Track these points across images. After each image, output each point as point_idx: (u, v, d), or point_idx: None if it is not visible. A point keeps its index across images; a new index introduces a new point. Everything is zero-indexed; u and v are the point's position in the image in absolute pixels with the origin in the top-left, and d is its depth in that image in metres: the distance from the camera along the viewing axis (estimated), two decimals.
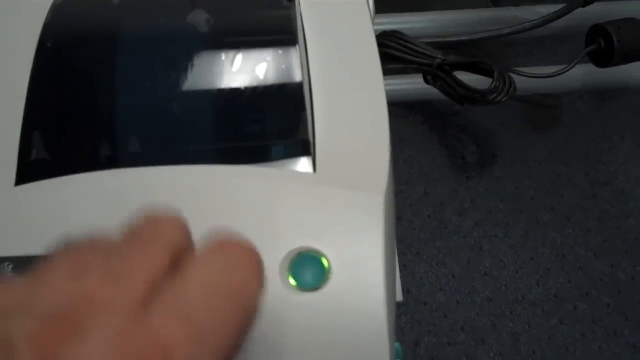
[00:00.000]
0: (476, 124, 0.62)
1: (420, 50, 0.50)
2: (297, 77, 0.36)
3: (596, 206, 0.59)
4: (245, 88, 0.36)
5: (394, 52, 0.51)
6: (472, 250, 0.57)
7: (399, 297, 0.49)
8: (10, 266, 0.31)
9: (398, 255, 0.51)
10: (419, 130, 0.62)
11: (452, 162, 0.61)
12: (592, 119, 0.64)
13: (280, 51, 0.37)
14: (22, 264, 0.31)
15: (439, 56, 0.50)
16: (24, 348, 0.20)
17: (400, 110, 0.62)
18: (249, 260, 0.25)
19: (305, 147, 0.34)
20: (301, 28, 0.38)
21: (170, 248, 0.24)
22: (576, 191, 0.60)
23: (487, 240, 0.57)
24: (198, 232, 0.32)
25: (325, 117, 0.35)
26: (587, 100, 0.65)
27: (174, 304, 0.22)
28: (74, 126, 0.35)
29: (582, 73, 0.60)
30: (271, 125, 0.36)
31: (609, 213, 0.59)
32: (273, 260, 0.31)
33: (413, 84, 0.59)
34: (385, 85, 0.37)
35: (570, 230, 0.58)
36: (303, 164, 0.34)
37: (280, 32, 0.38)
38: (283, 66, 0.37)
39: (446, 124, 0.63)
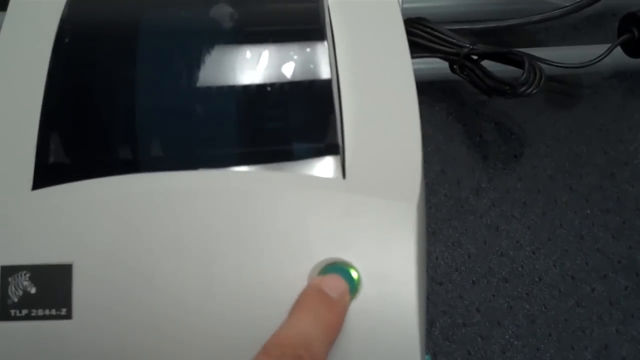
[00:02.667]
0: (494, 102, 0.61)
1: (448, 38, 0.49)
2: (326, 76, 0.35)
3: (615, 186, 0.58)
4: (273, 89, 0.35)
5: (420, 41, 0.49)
6: (489, 230, 0.56)
7: None
8: (28, 275, 0.31)
9: None
10: (437, 108, 0.61)
11: (469, 140, 0.60)
12: (612, 97, 0.63)
13: (308, 49, 0.36)
14: (40, 272, 0.31)
15: (467, 45, 0.49)
16: None
17: (417, 88, 0.60)
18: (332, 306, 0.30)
19: (334, 152, 0.33)
20: (329, 23, 0.37)
21: None
22: (595, 171, 0.59)
23: (504, 220, 0.56)
24: (226, 239, 0.31)
25: (354, 119, 0.34)
26: (608, 78, 0.63)
27: None
28: (92, 129, 0.34)
29: (612, 60, 0.59)
30: (299, 129, 0.35)
31: (629, 194, 0.58)
32: (301, 271, 0.31)
33: (430, 64, 0.58)
34: None
35: (588, 211, 0.57)
36: (332, 170, 0.33)
37: (308, 28, 0.37)
38: (311, 65, 0.35)
39: (464, 101, 0.61)
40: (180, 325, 0.30)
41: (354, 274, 0.31)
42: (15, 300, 0.30)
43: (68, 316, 0.30)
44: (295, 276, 0.30)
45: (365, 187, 0.32)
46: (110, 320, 0.30)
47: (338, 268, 0.31)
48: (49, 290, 0.30)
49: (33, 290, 0.30)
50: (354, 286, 0.31)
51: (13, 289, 0.30)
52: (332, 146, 0.33)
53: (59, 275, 0.30)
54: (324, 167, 0.33)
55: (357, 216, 0.31)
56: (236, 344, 0.30)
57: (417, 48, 0.49)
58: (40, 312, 0.30)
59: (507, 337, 0.52)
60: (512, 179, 0.58)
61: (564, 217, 0.57)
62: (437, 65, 0.55)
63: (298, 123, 0.35)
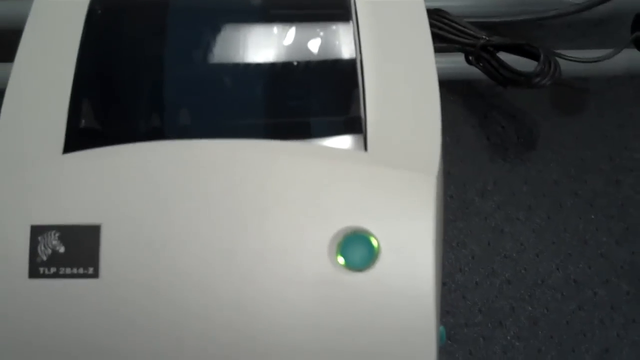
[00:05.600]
0: (502, 106, 0.62)
1: (465, 29, 0.49)
2: (351, 53, 0.36)
3: (620, 192, 0.59)
4: (298, 64, 0.36)
5: (437, 31, 0.49)
6: (493, 232, 0.56)
7: None
8: (57, 234, 0.31)
9: None
10: (444, 110, 0.61)
11: (476, 142, 0.60)
12: (619, 104, 0.63)
13: (334, 27, 0.37)
14: (68, 232, 0.31)
15: (484, 37, 0.49)
16: None
17: None
18: None
19: (357, 125, 0.34)
20: (354, 4, 0.38)
21: None
22: (600, 177, 0.59)
23: (509, 222, 0.57)
24: (249, 204, 0.32)
25: (376, 94, 0.35)
26: (615, 84, 0.64)
27: None
28: (122, 96, 0.35)
29: (626, 60, 0.59)
30: (323, 102, 0.35)
31: (633, 200, 0.59)
32: (322, 238, 0.31)
33: (439, 63, 0.57)
34: None
35: (592, 216, 0.58)
36: (355, 143, 0.34)
37: (334, 8, 0.37)
38: (337, 42, 0.36)
39: (472, 104, 0.62)
40: (204, 285, 0.31)
41: (374, 242, 0.31)
42: (44, 258, 0.31)
43: (95, 275, 0.31)
44: (316, 243, 0.31)
45: (386, 159, 0.33)
46: (136, 280, 0.31)
47: (359, 236, 0.31)
48: (77, 249, 0.31)
49: (62, 250, 0.31)
50: (373, 254, 0.31)
51: (42, 247, 0.31)
52: (355, 120, 0.34)
53: (87, 236, 0.31)
54: (347, 140, 0.34)
55: (377, 186, 0.32)
56: (257, 304, 0.30)
57: (434, 38, 0.50)
58: (68, 271, 0.31)
59: (508, 338, 0.53)
60: (518, 182, 0.59)
61: (569, 221, 0.57)
62: (445, 65, 0.56)
63: (322, 97, 0.36)
